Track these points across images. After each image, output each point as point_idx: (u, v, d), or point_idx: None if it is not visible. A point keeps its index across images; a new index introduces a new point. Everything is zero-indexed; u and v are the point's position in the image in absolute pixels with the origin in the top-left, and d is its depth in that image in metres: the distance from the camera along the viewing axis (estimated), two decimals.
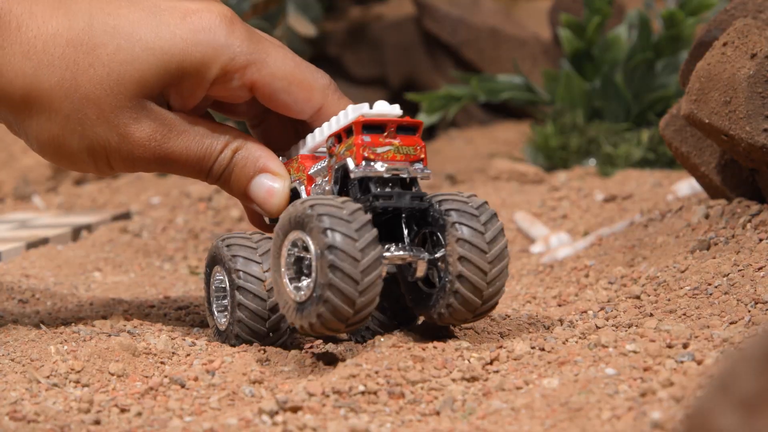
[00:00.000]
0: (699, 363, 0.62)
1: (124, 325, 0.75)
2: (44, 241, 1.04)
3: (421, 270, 0.67)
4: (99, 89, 0.68)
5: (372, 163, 0.66)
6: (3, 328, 0.75)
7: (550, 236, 0.99)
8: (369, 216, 0.63)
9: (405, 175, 0.66)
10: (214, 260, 0.72)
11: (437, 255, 0.66)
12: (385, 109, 0.67)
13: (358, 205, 0.63)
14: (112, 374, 0.67)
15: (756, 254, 0.74)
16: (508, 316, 0.75)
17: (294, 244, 0.65)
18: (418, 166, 0.67)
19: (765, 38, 0.77)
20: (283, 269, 0.65)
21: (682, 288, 0.74)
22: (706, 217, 0.82)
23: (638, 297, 0.75)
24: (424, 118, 1.33)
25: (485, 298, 0.65)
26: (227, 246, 0.71)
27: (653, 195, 1.05)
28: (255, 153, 0.72)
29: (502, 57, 1.68)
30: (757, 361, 0.38)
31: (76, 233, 1.09)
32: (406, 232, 0.67)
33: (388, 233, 0.67)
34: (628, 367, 0.61)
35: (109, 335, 0.73)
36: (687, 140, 0.85)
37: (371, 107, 0.68)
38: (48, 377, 0.66)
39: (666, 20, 1.27)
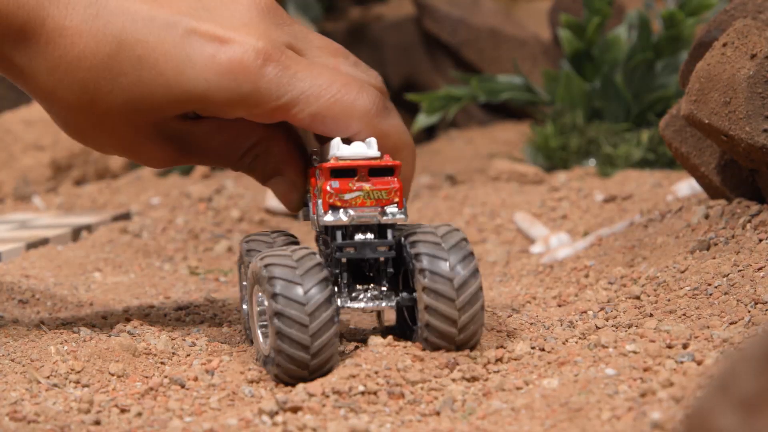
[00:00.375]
0: (699, 363, 0.62)
1: (124, 326, 0.75)
2: (44, 242, 1.04)
3: (390, 317, 0.65)
4: (116, 115, 0.68)
5: (338, 212, 0.65)
6: (3, 328, 0.75)
7: (550, 236, 0.99)
8: (324, 273, 0.62)
9: (373, 223, 0.65)
10: (240, 258, 0.74)
11: (411, 297, 0.65)
12: (358, 152, 0.66)
13: (315, 262, 0.62)
14: (112, 374, 0.67)
15: (756, 254, 0.74)
16: (509, 316, 0.75)
17: (258, 299, 0.65)
18: (392, 210, 0.65)
19: (765, 39, 0.77)
20: (255, 318, 0.66)
21: (682, 288, 0.74)
22: (706, 217, 0.82)
23: (638, 297, 0.75)
24: (424, 119, 1.33)
25: (459, 344, 0.64)
26: (247, 251, 0.71)
27: (653, 195, 1.05)
28: (275, 159, 0.72)
29: (502, 57, 1.68)
30: (757, 361, 0.38)
31: (76, 233, 1.09)
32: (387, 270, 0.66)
33: (368, 273, 0.66)
34: (628, 367, 0.61)
35: (109, 335, 0.73)
36: (687, 141, 0.85)
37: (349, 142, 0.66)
38: (48, 377, 0.66)
39: (666, 20, 1.27)
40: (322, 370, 0.62)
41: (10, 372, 0.67)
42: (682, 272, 0.76)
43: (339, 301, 0.65)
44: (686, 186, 1.00)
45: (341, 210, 0.65)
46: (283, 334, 0.61)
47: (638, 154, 1.24)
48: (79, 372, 0.67)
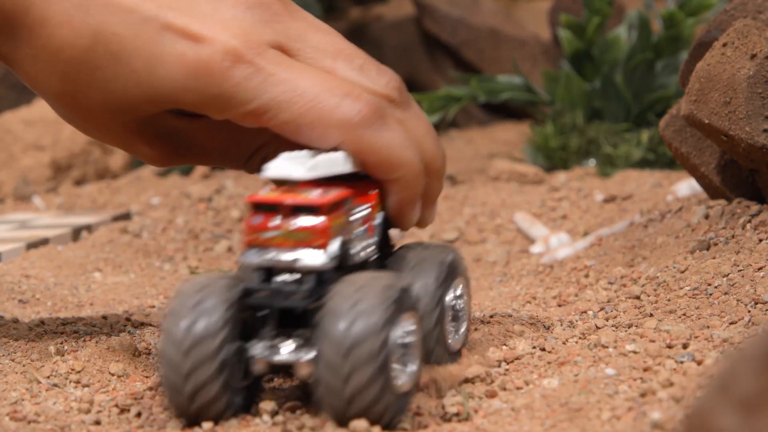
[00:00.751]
0: (699, 363, 0.62)
1: (124, 326, 0.75)
2: (44, 242, 1.04)
3: (305, 370, 0.56)
4: (99, 110, 0.66)
5: (254, 252, 0.57)
6: (3, 328, 0.75)
7: (550, 237, 0.99)
8: (215, 301, 0.55)
9: (290, 267, 0.57)
10: None
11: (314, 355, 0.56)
12: (283, 172, 0.59)
13: (221, 285, 0.56)
14: (113, 374, 0.67)
15: (756, 254, 0.74)
16: (509, 316, 0.75)
17: None
18: (312, 254, 0.57)
19: (765, 39, 0.77)
20: None
21: (681, 288, 0.74)
22: (706, 217, 0.82)
23: (638, 297, 0.75)
24: None
25: (350, 415, 0.54)
26: None
27: (653, 195, 1.05)
28: None
29: (502, 57, 1.68)
30: (757, 361, 0.38)
31: (76, 233, 1.09)
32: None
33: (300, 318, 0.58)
34: (627, 367, 0.61)
35: (110, 335, 0.73)
36: (687, 141, 0.85)
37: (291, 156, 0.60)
38: (48, 377, 0.66)
39: (666, 20, 1.27)
40: (208, 413, 0.56)
41: (10, 372, 0.67)
42: (682, 272, 0.76)
43: (258, 350, 0.57)
44: (686, 186, 1.00)
45: (257, 250, 0.57)
46: (161, 365, 0.56)
47: (638, 154, 1.24)
48: (79, 372, 0.67)
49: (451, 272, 0.64)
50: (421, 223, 0.66)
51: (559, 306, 0.78)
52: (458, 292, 0.65)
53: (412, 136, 0.63)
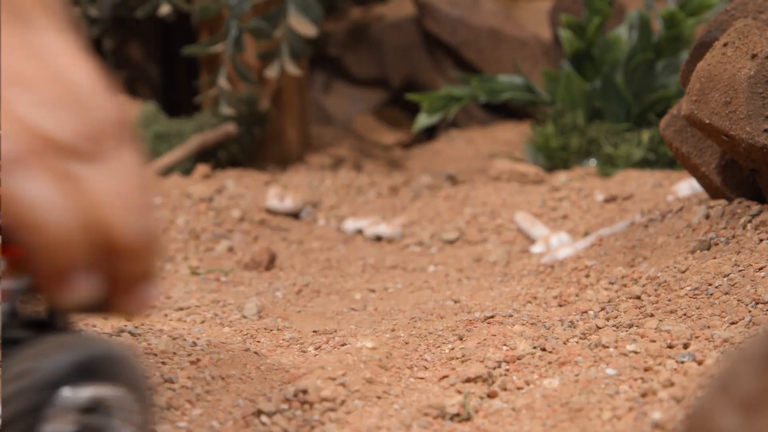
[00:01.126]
0: (699, 363, 0.62)
1: (125, 325, 0.75)
2: None
3: None
4: None
5: None
6: None
7: (551, 236, 0.99)
8: None
9: None
10: None
11: None
12: None
13: None
14: None
15: (756, 254, 0.74)
16: (510, 316, 0.75)
17: None
18: None
19: (765, 39, 0.77)
20: None
21: (682, 288, 0.74)
22: (707, 217, 0.82)
23: (639, 297, 0.75)
24: (424, 119, 1.34)
25: None
26: None
27: (654, 195, 1.05)
28: None
29: (502, 57, 1.68)
30: (757, 361, 0.38)
31: None
32: None
33: None
34: (628, 367, 0.61)
35: (110, 335, 0.73)
36: (687, 140, 0.85)
37: None
38: None
39: (666, 21, 1.27)
40: None
41: None
42: (683, 272, 0.76)
43: None
44: (687, 186, 1.00)
45: None
46: None
47: (639, 154, 1.24)
48: None
49: (84, 372, 0.47)
50: (122, 311, 0.50)
51: (560, 306, 0.78)
52: (110, 401, 0.47)
53: (80, 197, 0.48)
